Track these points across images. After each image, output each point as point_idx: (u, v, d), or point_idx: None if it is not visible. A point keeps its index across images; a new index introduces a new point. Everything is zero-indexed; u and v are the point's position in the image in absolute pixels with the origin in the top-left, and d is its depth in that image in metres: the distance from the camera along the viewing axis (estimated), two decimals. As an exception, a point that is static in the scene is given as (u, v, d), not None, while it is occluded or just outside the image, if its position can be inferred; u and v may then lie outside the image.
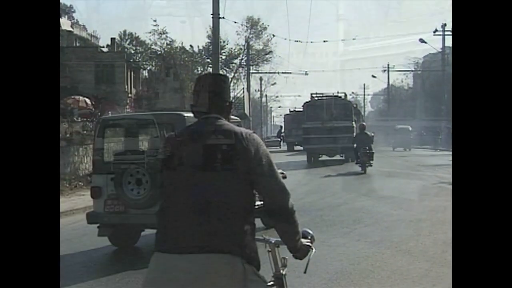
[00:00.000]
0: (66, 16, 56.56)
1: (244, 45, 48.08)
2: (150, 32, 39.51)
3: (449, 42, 42.11)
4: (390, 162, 25.83)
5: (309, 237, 2.81)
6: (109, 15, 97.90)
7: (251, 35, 50.00)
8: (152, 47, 42.87)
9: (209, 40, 41.88)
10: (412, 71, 71.59)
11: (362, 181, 17.96)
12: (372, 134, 21.54)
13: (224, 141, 2.53)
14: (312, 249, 2.78)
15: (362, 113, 47.73)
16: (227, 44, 46.16)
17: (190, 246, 2.44)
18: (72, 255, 7.74)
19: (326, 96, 28.09)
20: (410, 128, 42.52)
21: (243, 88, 38.83)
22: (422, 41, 42.19)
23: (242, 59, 47.64)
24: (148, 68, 51.32)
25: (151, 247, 2.72)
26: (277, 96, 75.62)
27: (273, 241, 2.83)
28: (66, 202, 12.77)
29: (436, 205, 11.48)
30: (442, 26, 42.34)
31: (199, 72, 41.40)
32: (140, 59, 50.90)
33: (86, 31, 58.21)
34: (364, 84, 78.91)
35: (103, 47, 50.13)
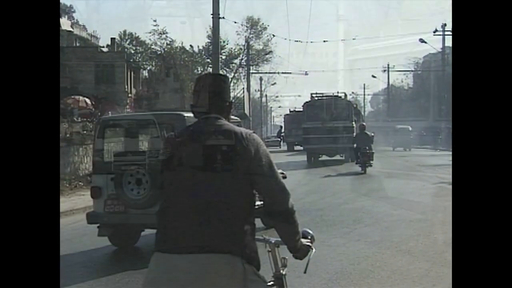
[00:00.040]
0: (66, 16, 56.56)
1: (244, 45, 48.12)
2: (150, 32, 39.64)
3: (449, 42, 42.22)
4: (390, 162, 25.83)
5: (309, 237, 2.81)
6: (109, 15, 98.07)
7: (251, 35, 50.08)
8: (152, 47, 42.93)
9: (209, 40, 41.88)
10: (412, 71, 71.62)
11: (362, 181, 17.95)
12: (372, 134, 21.54)
13: (224, 141, 2.53)
14: (312, 249, 2.78)
15: (362, 113, 47.70)
16: (227, 44, 46.26)
17: (190, 246, 2.44)
18: (72, 255, 7.74)
19: (326, 96, 28.10)
20: (410, 128, 42.52)
21: (243, 88, 38.86)
22: (422, 41, 42.27)
23: (242, 59, 47.67)
24: (148, 68, 51.26)
25: (151, 247, 2.72)
26: (277, 96, 75.68)
27: (273, 241, 2.83)
28: (66, 202, 12.77)
29: (436, 205, 11.49)
30: (442, 26, 42.47)
31: (199, 72, 41.36)
32: (140, 59, 50.85)
33: (86, 31, 58.20)
34: (364, 84, 78.92)
35: (103, 47, 50.14)
